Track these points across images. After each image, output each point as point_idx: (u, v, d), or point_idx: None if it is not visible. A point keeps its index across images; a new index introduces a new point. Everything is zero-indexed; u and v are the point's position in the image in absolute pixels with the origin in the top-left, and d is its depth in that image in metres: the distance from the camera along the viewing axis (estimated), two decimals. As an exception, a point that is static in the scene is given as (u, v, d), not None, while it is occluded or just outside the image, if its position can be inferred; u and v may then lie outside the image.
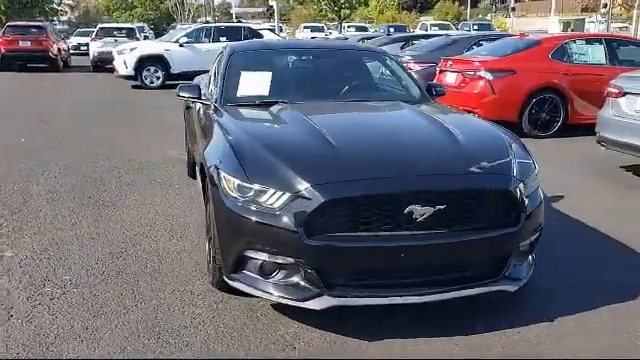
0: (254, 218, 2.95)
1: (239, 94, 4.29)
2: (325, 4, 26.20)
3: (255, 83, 4.38)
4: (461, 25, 36.40)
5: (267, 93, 4.30)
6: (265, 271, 3.01)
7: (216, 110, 4.11)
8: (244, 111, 4.08)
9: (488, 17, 58.99)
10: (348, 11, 26.51)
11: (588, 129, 7.56)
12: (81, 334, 3.06)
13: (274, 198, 2.92)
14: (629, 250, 4.24)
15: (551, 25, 33.72)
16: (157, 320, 3.20)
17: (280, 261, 2.95)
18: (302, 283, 2.93)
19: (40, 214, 5.00)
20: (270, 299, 3.06)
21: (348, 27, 33.77)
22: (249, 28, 16.89)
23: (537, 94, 8.59)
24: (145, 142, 8.27)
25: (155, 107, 12.11)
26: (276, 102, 4.12)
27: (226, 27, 16.76)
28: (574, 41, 9.02)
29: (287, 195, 2.89)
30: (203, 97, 4.46)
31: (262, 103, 4.17)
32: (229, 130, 3.56)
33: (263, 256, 2.98)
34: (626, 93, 6.20)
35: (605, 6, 41.61)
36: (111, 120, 10.37)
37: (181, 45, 15.40)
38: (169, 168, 6.66)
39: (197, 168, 4.24)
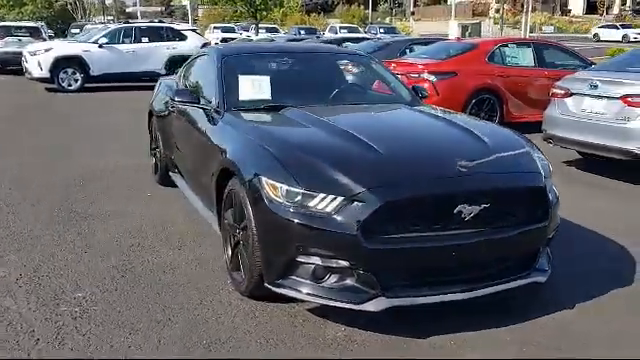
0: (307, 223, 2.94)
1: (241, 98, 4.22)
2: (241, 5, 25.93)
3: (254, 87, 4.32)
4: (368, 28, 37.32)
5: (269, 97, 4.26)
6: (317, 275, 3.01)
7: (222, 115, 4.03)
8: (257, 115, 4.03)
9: (387, 21, 60.90)
10: (265, 12, 26.42)
11: (521, 127, 8.05)
12: (127, 352, 2.91)
13: (325, 202, 2.93)
14: (570, 239, 4.42)
15: (452, 29, 35.39)
16: (201, 333, 3.10)
17: (333, 265, 2.97)
18: (357, 286, 2.96)
19: (13, 229, 4.65)
20: (322, 303, 3.06)
21: (260, 29, 33.68)
22: (171, 28, 16.44)
23: (476, 95, 9.05)
24: (88, 150, 7.86)
25: (80, 112, 11.48)
26: (283, 106, 4.11)
27: (148, 27, 16.17)
28: (507, 45, 9.59)
29: (340, 199, 2.91)
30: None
31: (268, 107, 4.14)
32: (257, 135, 3.51)
33: (316, 260, 2.98)
34: (573, 94, 6.70)
35: (498, 11, 44.31)
36: (34, 127, 9.73)
37: (100, 46, 14.70)
38: (132, 176, 6.39)
39: (180, 174, 4.14)
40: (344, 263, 2.94)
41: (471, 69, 9.10)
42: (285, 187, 3.02)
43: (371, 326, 3.14)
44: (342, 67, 5.04)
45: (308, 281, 3.03)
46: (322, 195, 2.94)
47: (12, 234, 4.55)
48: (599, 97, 6.34)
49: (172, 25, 19.75)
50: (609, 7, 64.80)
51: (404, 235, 2.92)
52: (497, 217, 3.08)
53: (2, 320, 3.21)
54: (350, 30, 34.67)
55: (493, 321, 3.21)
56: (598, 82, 6.35)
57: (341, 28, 35.37)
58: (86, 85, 14.56)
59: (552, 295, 3.54)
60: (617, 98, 6.13)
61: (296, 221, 2.96)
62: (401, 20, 64.92)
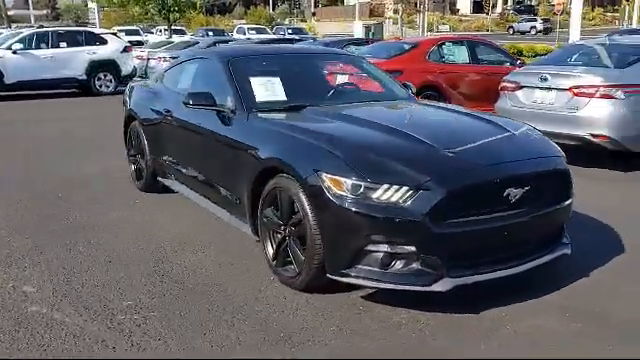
0: (376, 213, 3.12)
1: (259, 100, 4.30)
2: (152, 7, 25.18)
3: (267, 89, 4.41)
4: (276, 29, 37.55)
5: (285, 98, 4.38)
6: (384, 262, 3.19)
7: (247, 117, 4.10)
8: (285, 115, 4.13)
9: (286, 21, 61.41)
10: (178, 14, 25.84)
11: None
12: (211, 351, 2.96)
13: (390, 193, 3.12)
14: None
15: (356, 29, 36.40)
16: (274, 327, 3.19)
17: (400, 251, 3.17)
18: (423, 269, 3.17)
19: (15, 246, 4.44)
20: (389, 288, 3.24)
21: (165, 31, 32.88)
22: (91, 32, 15.76)
23: (421, 91, 9.48)
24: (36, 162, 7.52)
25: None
26: (302, 106, 4.25)
27: (66, 32, 15.39)
28: (444, 43, 10.16)
29: (405, 189, 3.11)
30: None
31: (289, 107, 4.25)
32: (303, 133, 3.63)
33: (384, 248, 3.16)
34: (523, 87, 7.29)
35: (396, 11, 46.05)
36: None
37: (15, 52, 13.88)
38: (107, 185, 6.21)
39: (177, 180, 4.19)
40: (411, 248, 3.14)
41: (414, 67, 9.54)
42: (350, 181, 3.17)
43: (428, 307, 3.37)
44: (339, 68, 5.22)
45: (375, 268, 3.21)
46: (386, 186, 3.13)
47: (17, 250, 4.34)
48: (549, 89, 6.95)
49: (91, 29, 18.92)
50: (494, 6, 69.09)
51: (464, 219, 3.17)
52: (535, 198, 3.41)
53: (65, 333, 3.13)
54: (258, 31, 34.79)
55: (532, 292, 3.55)
56: (548, 75, 6.97)
57: (249, 29, 35.34)
58: (0, 94, 13.71)
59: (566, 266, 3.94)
60: (566, 89, 6.76)
61: (365, 212, 3.13)
62: (301, 21, 65.69)
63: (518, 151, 3.57)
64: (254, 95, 4.32)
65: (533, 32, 47.54)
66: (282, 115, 4.13)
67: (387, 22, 44.43)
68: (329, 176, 3.24)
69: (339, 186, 3.20)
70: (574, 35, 8.98)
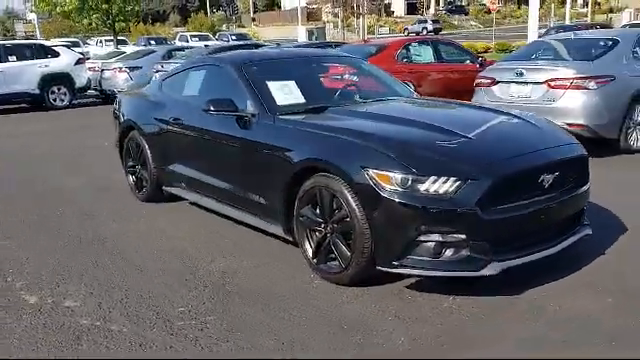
0: (428, 205, 3.27)
1: (280, 103, 4.37)
2: (96, 18, 24.45)
3: (285, 92, 4.50)
4: (219, 35, 37.29)
5: (304, 100, 4.48)
6: (435, 251, 3.34)
7: (274, 120, 4.17)
8: (313, 116, 4.21)
9: (224, 28, 61.04)
10: (124, 24, 25.22)
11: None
12: (293, 349, 3.03)
13: (439, 184, 3.28)
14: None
15: (300, 33, 36.67)
16: (338, 323, 3.28)
17: (450, 239, 3.33)
18: (472, 255, 3.34)
19: (35, 262, 4.34)
20: (441, 276, 3.40)
21: (106, 41, 32.15)
22: (42, 45, 15.24)
23: (393, 91, 9.77)
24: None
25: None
26: (325, 107, 4.36)
27: (15, 45, 14.86)
28: (410, 44, 10.47)
29: (453, 179, 3.28)
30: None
31: (311, 109, 4.35)
32: (340, 132, 3.74)
33: (435, 238, 3.32)
34: (498, 82, 7.64)
35: (336, 15, 46.64)
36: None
37: (-39, 69, 13.33)
38: (102, 197, 6.12)
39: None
40: (461, 236, 3.31)
41: (385, 69, 9.75)
42: (398, 175, 3.31)
43: (470, 292, 3.55)
44: (344, 69, 5.35)
45: (426, 258, 3.36)
46: (433, 178, 3.29)
47: (41, 268, 4.24)
48: (525, 83, 7.32)
49: (42, 42, 18.29)
50: (428, 7, 71.00)
51: (507, 205, 3.37)
52: (562, 182, 3.66)
53: (130, 342, 3.13)
54: (201, 38, 34.45)
55: (560, 273, 3.78)
56: (523, 70, 7.34)
57: (192, 36, 34.96)
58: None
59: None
60: (542, 83, 7.13)
61: (416, 204, 3.28)
62: (239, 27, 65.46)
63: (545, 139, 3.82)
64: (274, 99, 4.39)
65: (425, 32, 49.32)
66: (309, 116, 4.22)
67: (329, 26, 44.91)
68: (377, 172, 3.37)
69: (388, 181, 3.34)
70: (532, 32, 9.45)
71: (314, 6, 68.17)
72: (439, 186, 3.28)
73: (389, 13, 73.39)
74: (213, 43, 27.58)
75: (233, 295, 3.69)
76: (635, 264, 3.97)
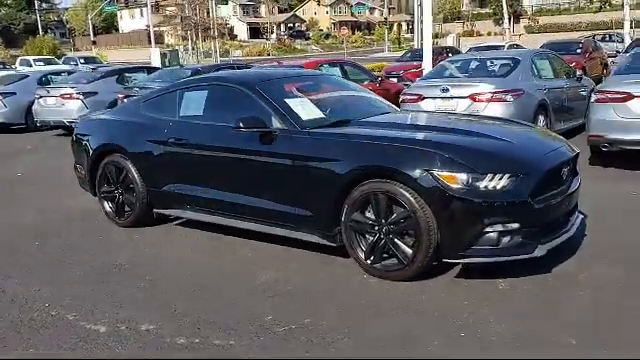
0: (490, 199, 3.75)
1: (304, 118, 4.60)
2: None
3: (304, 108, 4.74)
4: (64, 59, 35.10)
5: (324, 115, 4.76)
6: (495, 240, 3.82)
7: (307, 134, 4.40)
8: (347, 129, 4.49)
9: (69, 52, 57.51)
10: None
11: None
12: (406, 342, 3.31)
13: (496, 180, 3.77)
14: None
15: (154, 56, 35.73)
16: (432, 313, 3.62)
17: (507, 228, 3.82)
18: (524, 240, 3.86)
19: (71, 291, 4.10)
20: (501, 261, 3.87)
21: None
22: None
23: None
24: None
25: None
26: (347, 120, 4.69)
27: None
28: (322, 66, 11.03)
29: (507, 175, 3.79)
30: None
31: (335, 123, 4.64)
32: (397, 140, 4.12)
33: (497, 228, 3.80)
34: (425, 98, 8.44)
35: (185, 38, 46.20)
36: None
37: None
38: (85, 226, 5.80)
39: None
40: (516, 225, 3.82)
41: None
42: (463, 175, 3.76)
43: (507, 274, 4.05)
44: (333, 87, 5.66)
45: (487, 246, 3.82)
46: (491, 176, 3.78)
47: (88, 299, 4.00)
48: (450, 98, 8.19)
49: None
50: (271, 32, 72.97)
51: (546, 194, 3.96)
52: (570, 175, 4.36)
53: (236, 352, 3.21)
54: (47, 62, 32.22)
55: (569, 251, 4.46)
56: (448, 87, 8.20)
57: (36, 60, 32.53)
58: None
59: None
60: (466, 97, 8.04)
61: (481, 200, 3.75)
62: (76, 50, 62.11)
63: (555, 141, 4.51)
64: (299, 115, 4.62)
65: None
66: (342, 129, 4.50)
67: (181, 49, 44.38)
68: (442, 173, 3.79)
69: (453, 181, 3.77)
70: (426, 55, 10.50)
71: (156, 29, 66.84)
72: (496, 182, 3.78)
73: (232, 37, 74.22)
74: (82, 67, 25.45)
75: (307, 300, 3.85)
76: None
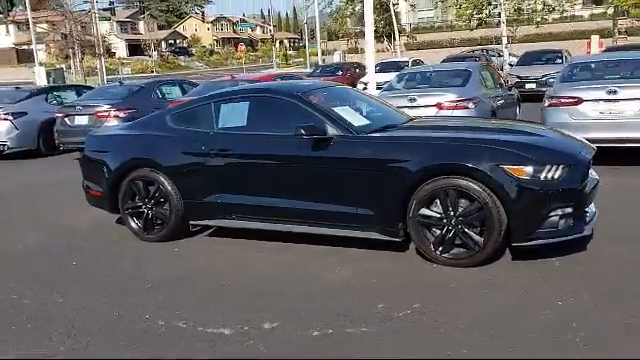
0: (553, 188, 4.30)
1: (356, 125, 4.93)
2: None
3: (350, 115, 5.07)
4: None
5: (369, 121, 5.13)
6: (556, 223, 4.37)
7: (368, 138, 4.75)
8: (404, 132, 4.95)
9: None
10: None
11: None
12: (518, 314, 3.73)
13: (553, 171, 4.33)
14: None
15: (40, 74, 33.53)
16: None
17: (564, 212, 4.38)
18: (575, 222, 4.44)
19: (143, 302, 4.10)
20: (560, 241, 4.42)
21: None
22: None
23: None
24: None
25: None
26: (393, 125, 5.10)
27: None
28: (276, 79, 11.27)
29: (562, 166, 4.36)
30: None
31: (384, 128, 5.02)
32: (459, 140, 4.62)
33: (558, 212, 4.35)
34: (392, 107, 8.98)
35: (68, 57, 43.88)
36: None
37: None
38: (110, 246, 5.65)
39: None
40: (570, 209, 4.40)
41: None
42: (529, 167, 4.29)
43: (553, 254, 4.62)
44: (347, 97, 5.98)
45: (548, 229, 4.36)
46: (549, 167, 4.33)
47: (150, 309, 4.04)
48: (418, 107, 8.79)
49: None
50: (153, 49, 71.10)
51: (586, 182, 4.58)
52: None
53: (361, 334, 3.48)
54: None
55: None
56: (416, 96, 8.82)
57: None
58: None
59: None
60: (433, 105, 8.70)
61: (545, 189, 4.29)
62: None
63: (577, 138, 5.19)
64: (351, 121, 4.93)
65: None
66: (398, 132, 4.98)
67: (64, 67, 42.03)
68: (511, 167, 4.29)
69: (521, 173, 4.28)
70: (370, 69, 11.04)
71: (25, 47, 62.79)
72: (554, 172, 4.34)
73: (111, 55, 71.48)
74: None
75: (384, 288, 4.16)
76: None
